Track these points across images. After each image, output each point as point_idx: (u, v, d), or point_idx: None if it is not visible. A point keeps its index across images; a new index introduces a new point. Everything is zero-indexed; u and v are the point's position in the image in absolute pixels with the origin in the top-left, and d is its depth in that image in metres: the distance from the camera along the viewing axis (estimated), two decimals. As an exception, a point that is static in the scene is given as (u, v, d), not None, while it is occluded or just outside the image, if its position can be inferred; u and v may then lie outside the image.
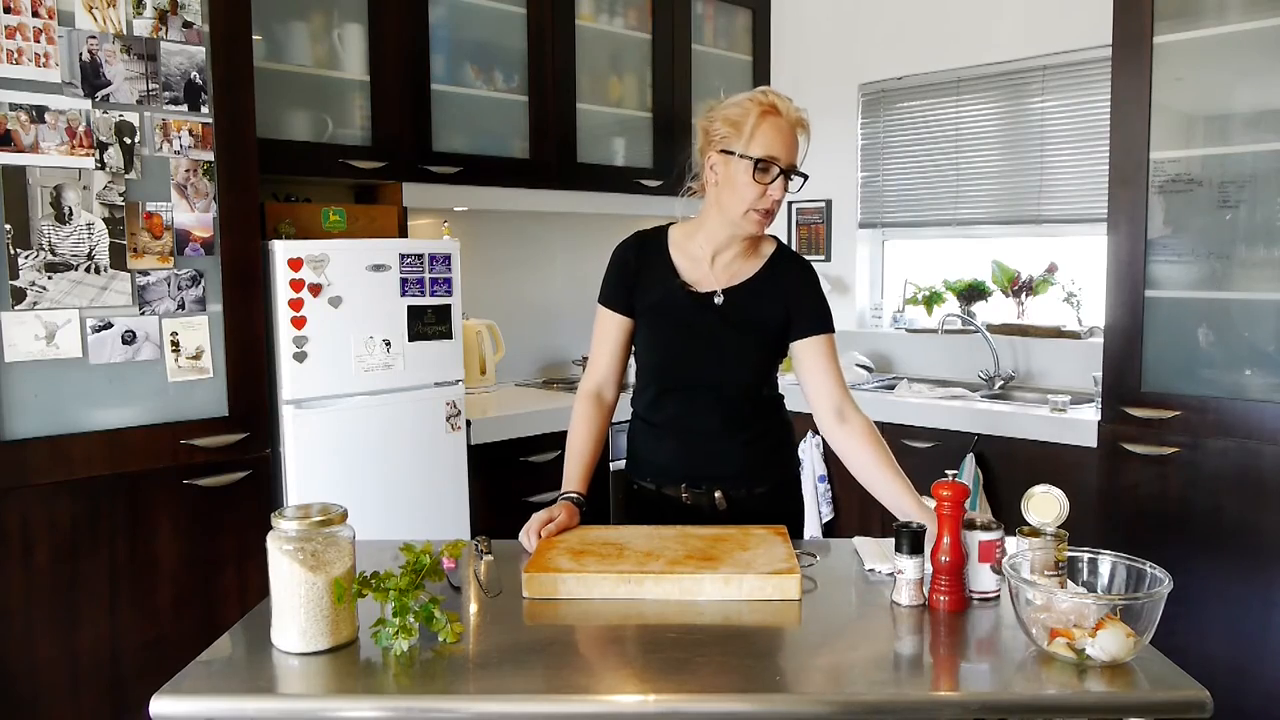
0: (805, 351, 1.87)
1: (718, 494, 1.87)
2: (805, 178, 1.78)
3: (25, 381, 2.18)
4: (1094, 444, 2.85)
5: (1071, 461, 2.92)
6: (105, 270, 2.26)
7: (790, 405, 2.02)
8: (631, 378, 2.00)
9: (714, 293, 1.86)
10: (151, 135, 2.32)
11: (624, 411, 2.01)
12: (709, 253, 1.87)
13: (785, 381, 1.99)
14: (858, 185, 4.09)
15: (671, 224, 1.94)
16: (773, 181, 1.75)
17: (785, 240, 4.24)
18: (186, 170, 2.38)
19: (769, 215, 1.79)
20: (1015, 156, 3.63)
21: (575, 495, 1.81)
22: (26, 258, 2.16)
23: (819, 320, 1.87)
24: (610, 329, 1.92)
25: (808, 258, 4.09)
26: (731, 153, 1.76)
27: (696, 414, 1.87)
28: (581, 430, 1.90)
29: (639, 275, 1.89)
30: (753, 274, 1.88)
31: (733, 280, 1.87)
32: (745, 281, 1.87)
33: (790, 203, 4.25)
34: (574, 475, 1.85)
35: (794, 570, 1.50)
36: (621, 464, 2.09)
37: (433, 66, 3.10)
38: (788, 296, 1.87)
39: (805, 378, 1.88)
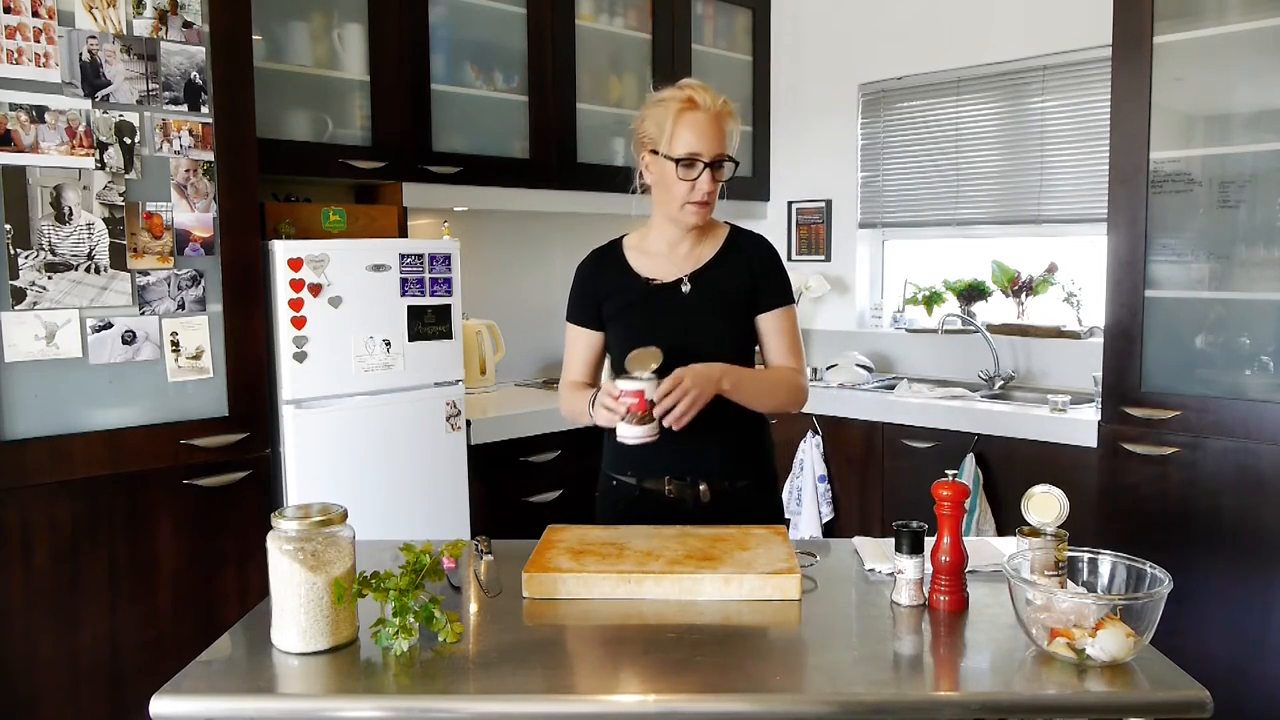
0: (768, 324, 1.94)
1: (702, 486, 1.88)
2: (736, 164, 1.86)
3: (25, 381, 2.18)
4: (1094, 444, 2.86)
5: (1071, 461, 2.92)
6: (105, 270, 2.26)
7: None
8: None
9: (680, 281, 1.91)
10: (151, 135, 2.32)
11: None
12: (665, 246, 1.94)
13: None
14: (858, 185, 4.09)
15: (625, 235, 2.01)
16: (699, 176, 1.81)
17: (785, 240, 4.26)
18: (186, 170, 2.38)
19: (705, 205, 1.85)
20: (1015, 156, 3.63)
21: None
22: (26, 258, 2.16)
23: (781, 293, 1.95)
24: (581, 345, 1.99)
25: (808, 258, 4.19)
26: (658, 153, 1.83)
27: None
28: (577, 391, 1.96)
29: (601, 285, 1.96)
30: (715, 253, 1.94)
31: (698, 263, 1.93)
32: (709, 262, 1.93)
33: (790, 202, 4.26)
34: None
35: (794, 570, 1.50)
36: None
37: (433, 66, 3.11)
38: (752, 269, 1.93)
39: (767, 347, 1.96)
